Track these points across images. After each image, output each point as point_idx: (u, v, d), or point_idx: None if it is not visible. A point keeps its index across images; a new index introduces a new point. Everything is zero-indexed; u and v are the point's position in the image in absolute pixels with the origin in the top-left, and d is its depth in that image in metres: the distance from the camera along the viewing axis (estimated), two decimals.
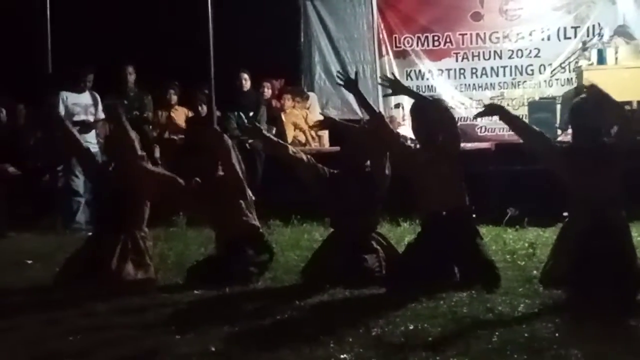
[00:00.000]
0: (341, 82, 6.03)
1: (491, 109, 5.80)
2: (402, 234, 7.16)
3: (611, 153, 5.17)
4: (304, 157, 5.93)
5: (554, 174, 5.37)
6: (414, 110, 5.73)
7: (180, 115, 10.29)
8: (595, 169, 5.10)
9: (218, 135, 5.98)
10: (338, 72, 6.38)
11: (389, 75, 11.20)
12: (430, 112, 5.58)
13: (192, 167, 6.04)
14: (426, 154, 5.54)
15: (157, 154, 7.67)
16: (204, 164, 5.98)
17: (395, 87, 5.83)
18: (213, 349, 4.01)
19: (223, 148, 5.84)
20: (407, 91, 5.99)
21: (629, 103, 9.27)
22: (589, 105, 5.27)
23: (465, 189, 5.52)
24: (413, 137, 10.51)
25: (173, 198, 6.28)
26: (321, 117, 10.68)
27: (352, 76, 6.03)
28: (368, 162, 5.79)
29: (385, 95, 10.50)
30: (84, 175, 7.97)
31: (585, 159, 5.12)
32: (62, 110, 8.72)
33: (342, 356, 3.84)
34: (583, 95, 5.61)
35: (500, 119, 5.61)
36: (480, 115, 5.65)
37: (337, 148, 6.15)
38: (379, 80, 5.86)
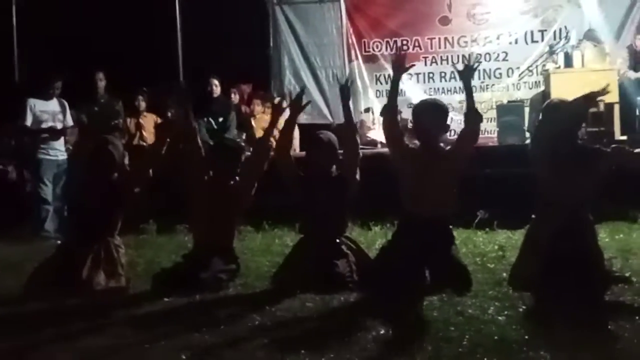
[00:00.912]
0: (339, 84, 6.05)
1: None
2: (373, 238, 7.17)
3: (591, 156, 5.22)
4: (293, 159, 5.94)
5: (525, 177, 5.41)
6: (417, 110, 5.69)
7: (149, 121, 10.24)
8: (573, 172, 5.15)
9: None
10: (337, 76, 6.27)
11: (358, 81, 11.31)
12: (434, 112, 5.58)
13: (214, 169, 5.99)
14: (424, 155, 5.53)
15: (127, 160, 7.59)
16: (228, 170, 5.94)
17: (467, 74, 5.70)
18: (184, 357, 3.99)
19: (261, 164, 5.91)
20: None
21: (596, 105, 9.37)
22: (562, 109, 5.35)
23: (455, 196, 5.54)
24: (384, 140, 10.64)
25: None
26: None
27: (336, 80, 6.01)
28: (335, 167, 5.80)
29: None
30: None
31: (565, 162, 5.17)
32: (30, 117, 8.66)
33: None
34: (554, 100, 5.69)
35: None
36: None
37: (304, 153, 6.12)
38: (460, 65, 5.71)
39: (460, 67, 5.68)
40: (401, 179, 5.60)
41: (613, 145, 5.42)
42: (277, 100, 6.59)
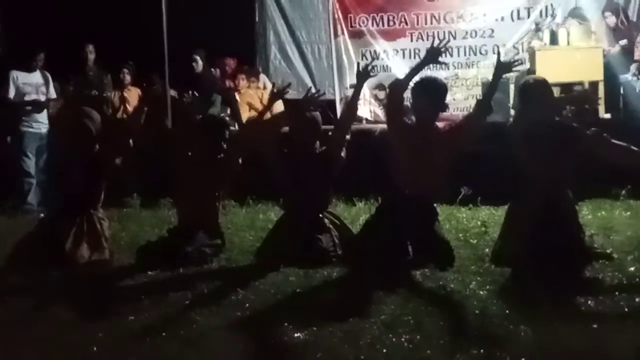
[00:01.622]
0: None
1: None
2: (357, 214, 7.19)
3: (570, 134, 5.27)
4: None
5: (508, 154, 5.45)
6: (417, 88, 5.63)
7: (133, 95, 10.19)
8: (551, 150, 5.19)
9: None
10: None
11: (344, 56, 11.28)
12: (433, 91, 5.57)
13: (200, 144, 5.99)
14: (421, 133, 5.53)
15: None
16: (214, 147, 5.92)
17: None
18: (167, 329, 4.02)
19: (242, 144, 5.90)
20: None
21: (581, 83, 9.41)
22: (537, 85, 5.39)
23: (445, 176, 5.58)
24: (367, 117, 10.60)
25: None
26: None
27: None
28: (318, 143, 5.81)
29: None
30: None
31: (542, 140, 5.21)
32: (12, 89, 8.61)
33: (296, 335, 3.88)
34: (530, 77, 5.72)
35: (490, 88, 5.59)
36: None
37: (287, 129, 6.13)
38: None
39: (502, 58, 5.62)
40: (393, 155, 5.61)
41: (593, 129, 5.43)
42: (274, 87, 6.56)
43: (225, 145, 5.88)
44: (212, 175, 5.86)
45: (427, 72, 10.60)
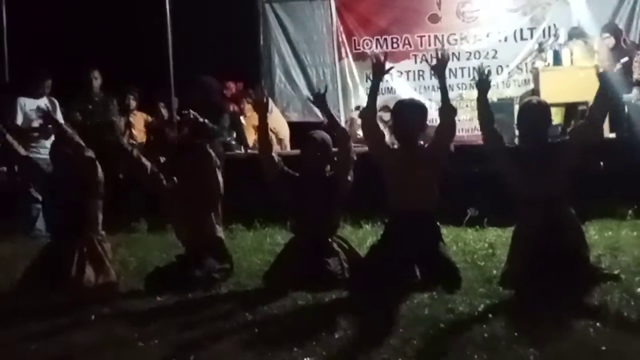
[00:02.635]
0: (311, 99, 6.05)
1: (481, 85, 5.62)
2: (364, 236, 7.21)
3: (557, 152, 5.31)
4: (276, 158, 5.96)
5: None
6: (397, 110, 5.75)
7: (139, 120, 10.26)
8: (542, 168, 5.22)
9: (207, 153, 5.98)
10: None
11: (348, 79, 11.35)
12: (413, 112, 5.64)
13: (176, 171, 6.02)
14: (404, 154, 5.59)
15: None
16: (187, 171, 5.96)
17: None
18: (176, 355, 4.03)
19: (210, 166, 5.89)
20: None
21: (585, 103, 9.43)
22: (533, 107, 5.43)
23: (437, 192, 5.59)
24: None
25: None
26: (283, 121, 10.74)
27: (316, 87, 6.00)
28: (328, 167, 5.84)
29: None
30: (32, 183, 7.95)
31: (532, 159, 5.25)
32: (20, 116, 8.66)
33: (305, 359, 3.88)
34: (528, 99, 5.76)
35: (478, 104, 5.61)
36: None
37: (298, 151, 6.14)
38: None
39: (433, 62, 5.68)
40: (384, 178, 5.66)
41: (569, 130, 5.51)
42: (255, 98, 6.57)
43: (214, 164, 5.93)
44: (202, 197, 5.89)
45: (432, 93, 10.81)
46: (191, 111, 7.69)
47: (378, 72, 5.77)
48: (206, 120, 7.66)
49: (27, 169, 6.42)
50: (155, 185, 5.98)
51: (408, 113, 5.66)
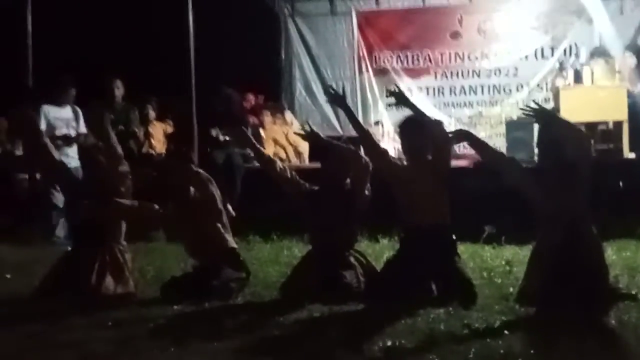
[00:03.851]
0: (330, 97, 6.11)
1: (459, 136, 5.87)
2: (381, 250, 7.20)
3: (574, 171, 5.29)
4: (289, 172, 5.98)
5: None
6: (403, 127, 5.76)
7: (158, 130, 10.31)
8: (561, 187, 5.21)
9: (193, 173, 6.01)
10: (329, 86, 6.33)
11: (368, 93, 11.38)
12: (420, 129, 5.63)
13: (166, 191, 6.05)
14: (413, 170, 5.60)
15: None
16: (177, 190, 5.96)
17: (399, 98, 5.84)
18: None
19: (199, 183, 5.90)
20: (409, 104, 5.86)
21: (605, 123, 9.42)
22: (553, 127, 5.42)
23: (447, 206, 5.59)
24: (391, 154, 10.63)
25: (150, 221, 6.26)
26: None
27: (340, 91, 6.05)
28: (347, 180, 5.85)
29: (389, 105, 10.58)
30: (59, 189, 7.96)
31: (551, 178, 5.23)
32: (43, 124, 8.70)
33: None
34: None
35: (470, 145, 5.66)
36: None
37: (317, 164, 6.16)
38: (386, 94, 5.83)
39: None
40: (395, 193, 5.67)
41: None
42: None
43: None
44: (192, 211, 5.89)
45: (453, 110, 10.82)
46: None
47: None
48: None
49: (59, 174, 6.41)
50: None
51: (413, 129, 5.66)
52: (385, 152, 5.90)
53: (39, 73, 9.29)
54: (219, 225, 5.94)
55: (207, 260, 5.84)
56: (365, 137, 5.83)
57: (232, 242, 6.01)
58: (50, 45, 10.37)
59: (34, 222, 8.77)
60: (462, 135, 5.88)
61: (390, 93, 5.93)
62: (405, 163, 5.79)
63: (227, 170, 8.48)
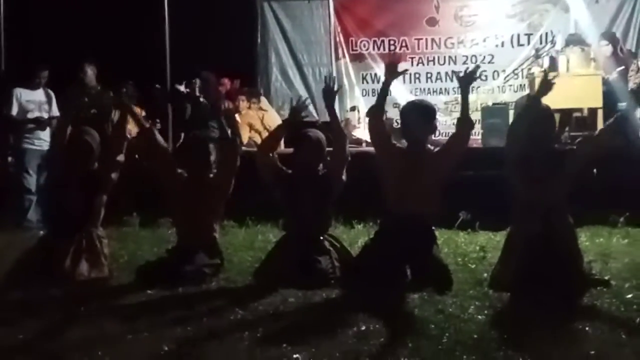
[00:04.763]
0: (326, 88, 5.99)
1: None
2: (355, 236, 7.20)
3: (562, 160, 5.30)
4: (275, 157, 5.95)
5: (505, 180, 5.47)
6: (406, 111, 5.71)
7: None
8: (545, 175, 5.22)
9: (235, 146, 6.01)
10: (326, 76, 6.26)
11: (344, 79, 11.35)
12: (423, 113, 5.62)
13: (188, 165, 6.00)
14: (411, 156, 5.57)
15: None
16: (200, 165, 5.95)
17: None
18: (166, 348, 4.02)
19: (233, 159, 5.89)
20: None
21: (580, 110, 9.46)
22: (539, 113, 5.42)
23: (438, 199, 5.58)
24: (368, 139, 10.62)
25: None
26: (279, 119, 10.72)
27: (328, 82, 5.98)
28: (321, 166, 5.83)
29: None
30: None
31: (536, 166, 5.24)
32: (15, 107, 8.64)
33: (294, 356, 3.87)
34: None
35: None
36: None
37: (291, 150, 6.13)
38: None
39: (461, 74, 5.66)
40: (386, 178, 5.63)
41: (577, 141, 5.52)
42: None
43: (212, 162, 5.90)
44: (204, 193, 5.86)
45: (428, 96, 10.82)
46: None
47: (391, 72, 5.75)
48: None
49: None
50: (166, 168, 5.96)
51: (416, 115, 5.62)
52: (389, 133, 5.82)
53: (11, 55, 9.20)
54: (216, 217, 5.97)
55: (189, 243, 5.80)
56: (377, 114, 5.70)
57: (217, 232, 6.02)
58: (24, 28, 10.27)
59: (5, 207, 8.66)
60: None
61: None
62: (403, 148, 5.71)
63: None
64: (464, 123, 5.60)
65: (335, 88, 6.03)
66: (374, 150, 5.82)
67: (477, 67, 5.77)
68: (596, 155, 5.61)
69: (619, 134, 5.68)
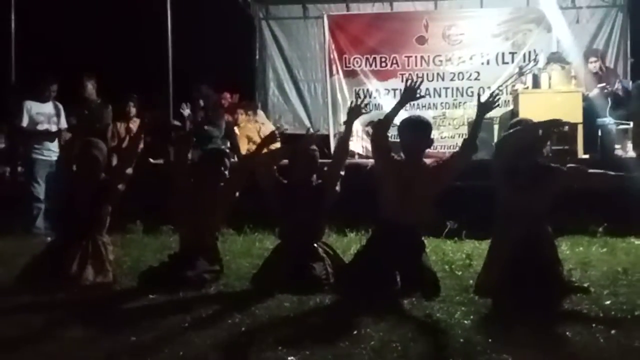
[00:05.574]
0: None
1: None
2: (348, 244, 7.21)
3: (549, 177, 5.31)
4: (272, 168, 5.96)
5: (490, 191, 5.48)
6: (404, 126, 5.71)
7: (137, 126, 10.24)
8: (530, 187, 5.24)
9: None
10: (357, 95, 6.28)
11: (338, 94, 11.38)
12: (420, 129, 5.63)
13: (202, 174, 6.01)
14: (408, 169, 5.56)
15: (115, 162, 7.63)
16: (213, 175, 5.95)
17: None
18: (167, 351, 4.02)
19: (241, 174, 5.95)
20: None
21: (561, 126, 9.48)
22: (524, 129, 5.44)
23: (431, 211, 5.59)
24: (361, 151, 10.64)
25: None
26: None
27: (357, 103, 6.01)
28: (314, 177, 5.85)
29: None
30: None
31: (522, 177, 5.26)
32: (25, 119, 8.65)
33: (289, 358, 3.87)
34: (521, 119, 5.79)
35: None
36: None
37: (286, 161, 6.15)
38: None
39: (483, 99, 5.64)
40: (382, 188, 5.63)
41: (569, 165, 5.51)
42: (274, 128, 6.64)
43: (226, 173, 5.92)
44: (212, 202, 5.87)
45: (417, 111, 10.83)
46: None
47: (409, 95, 5.72)
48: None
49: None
50: (181, 177, 5.97)
51: (414, 129, 5.63)
52: (390, 146, 5.80)
53: (21, 68, 9.21)
54: (220, 224, 6.00)
55: (191, 250, 5.81)
56: (384, 126, 5.69)
57: (218, 238, 6.05)
58: (34, 41, 10.27)
59: (15, 214, 8.65)
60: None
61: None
62: (401, 160, 5.69)
63: None
64: (470, 147, 5.57)
65: (366, 110, 6.09)
66: (373, 160, 5.83)
67: (498, 95, 5.76)
68: (582, 185, 5.60)
69: (616, 187, 5.67)
